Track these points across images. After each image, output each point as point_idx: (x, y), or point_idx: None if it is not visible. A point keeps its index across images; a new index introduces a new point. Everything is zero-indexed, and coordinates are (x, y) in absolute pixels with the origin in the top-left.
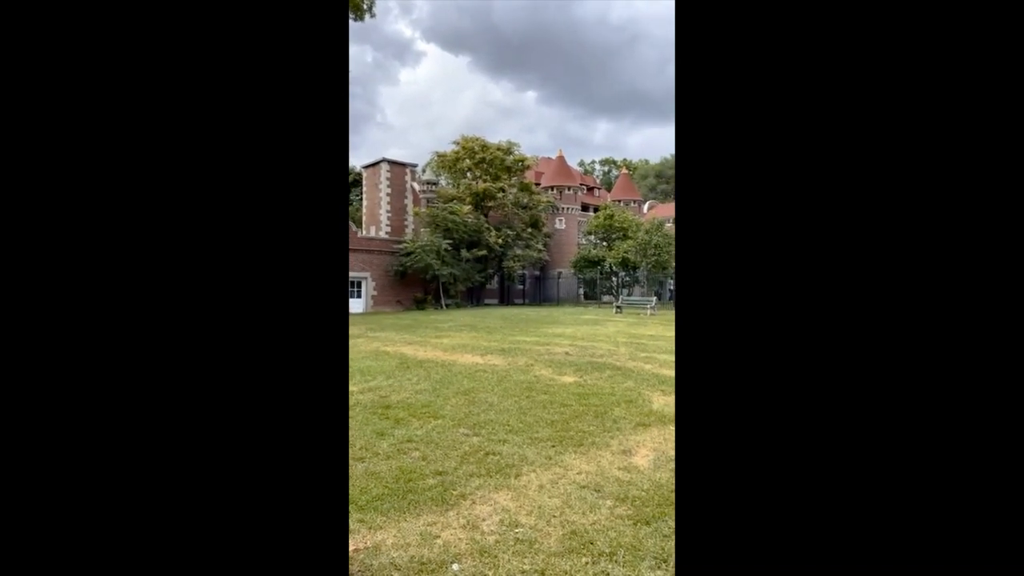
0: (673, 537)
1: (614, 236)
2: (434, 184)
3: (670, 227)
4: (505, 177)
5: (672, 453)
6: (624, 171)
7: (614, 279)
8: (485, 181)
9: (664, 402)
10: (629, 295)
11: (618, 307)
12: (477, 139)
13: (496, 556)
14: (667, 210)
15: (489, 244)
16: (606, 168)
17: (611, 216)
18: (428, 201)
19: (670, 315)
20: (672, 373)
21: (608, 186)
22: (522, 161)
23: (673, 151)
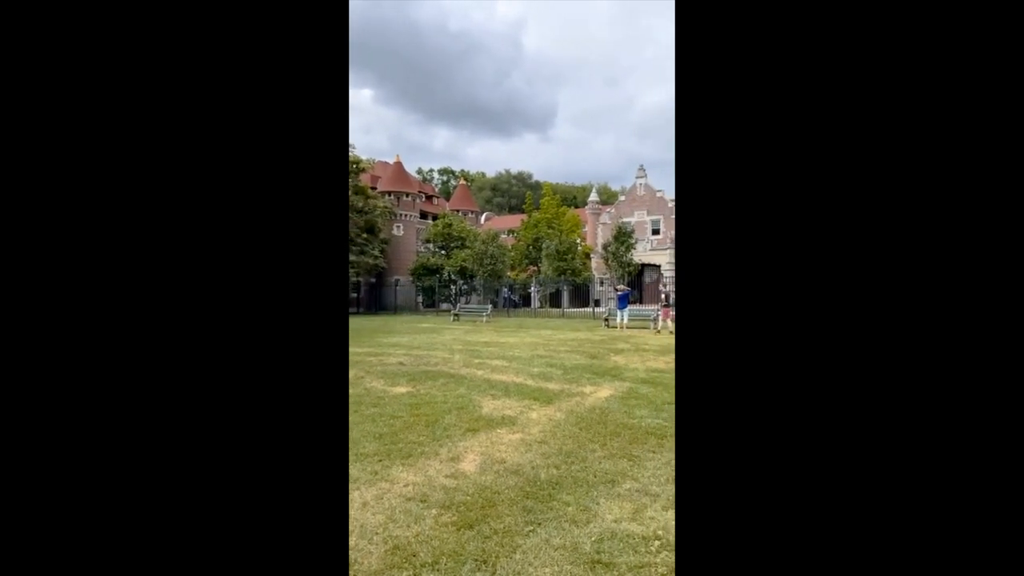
0: (494, 538)
1: (453, 245)
2: None
3: (505, 239)
4: None
5: (498, 456)
6: (463, 182)
7: (452, 287)
8: None
9: (493, 406)
10: (467, 303)
11: (455, 315)
12: None
13: None
14: (502, 222)
15: None
16: (445, 177)
17: (450, 225)
18: None
19: (504, 322)
20: (503, 378)
21: (447, 195)
22: (357, 163)
23: (509, 166)
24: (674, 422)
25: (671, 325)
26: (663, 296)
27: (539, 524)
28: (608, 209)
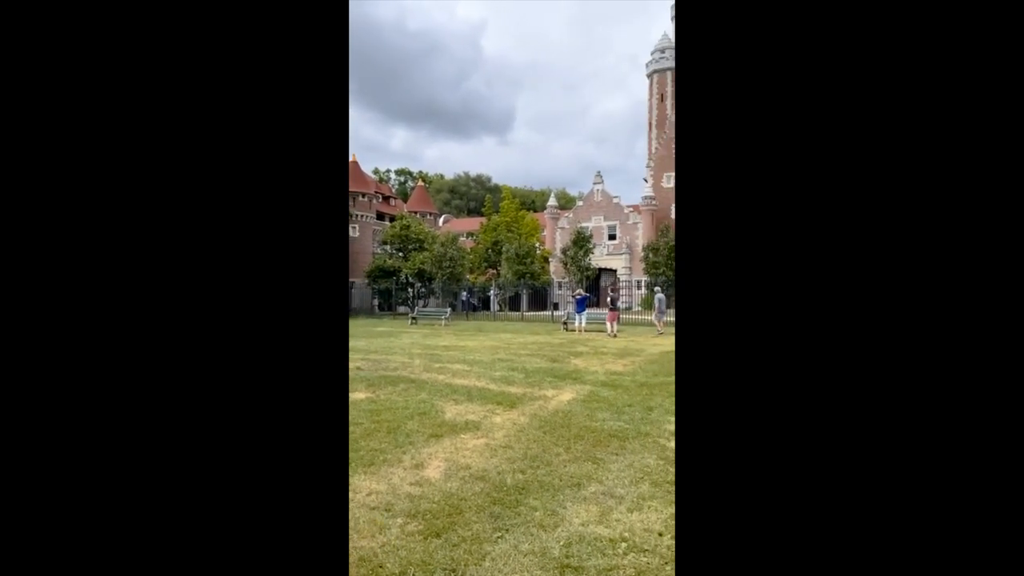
0: (463, 545)
1: (411, 247)
2: None
3: (464, 241)
4: None
5: (462, 462)
6: (421, 183)
7: (410, 290)
8: None
9: (456, 411)
10: (425, 306)
11: (413, 318)
12: None
13: None
14: (461, 225)
15: None
16: (402, 179)
17: (408, 226)
18: None
19: (463, 325)
20: (464, 382)
21: (404, 197)
22: None
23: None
24: (635, 424)
25: (615, 328)
26: (609, 300)
27: (507, 530)
28: (566, 214)
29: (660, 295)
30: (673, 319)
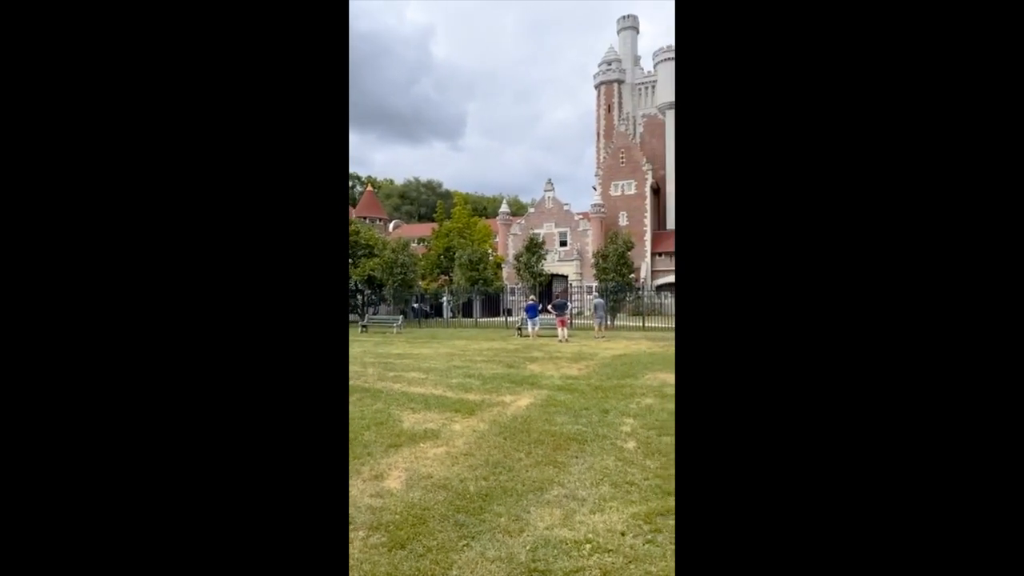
0: (428, 556)
1: (360, 253)
2: None
3: (415, 247)
4: None
5: (424, 471)
6: (370, 188)
7: (360, 297)
8: None
9: (414, 420)
10: (375, 314)
11: (363, 326)
12: None
13: None
14: (412, 230)
15: None
16: (351, 183)
17: (357, 232)
18: None
19: (416, 332)
20: (421, 390)
21: (353, 202)
22: None
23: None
24: (593, 427)
25: (565, 333)
26: (551, 306)
27: (473, 538)
28: (519, 220)
29: (598, 300)
30: (610, 322)
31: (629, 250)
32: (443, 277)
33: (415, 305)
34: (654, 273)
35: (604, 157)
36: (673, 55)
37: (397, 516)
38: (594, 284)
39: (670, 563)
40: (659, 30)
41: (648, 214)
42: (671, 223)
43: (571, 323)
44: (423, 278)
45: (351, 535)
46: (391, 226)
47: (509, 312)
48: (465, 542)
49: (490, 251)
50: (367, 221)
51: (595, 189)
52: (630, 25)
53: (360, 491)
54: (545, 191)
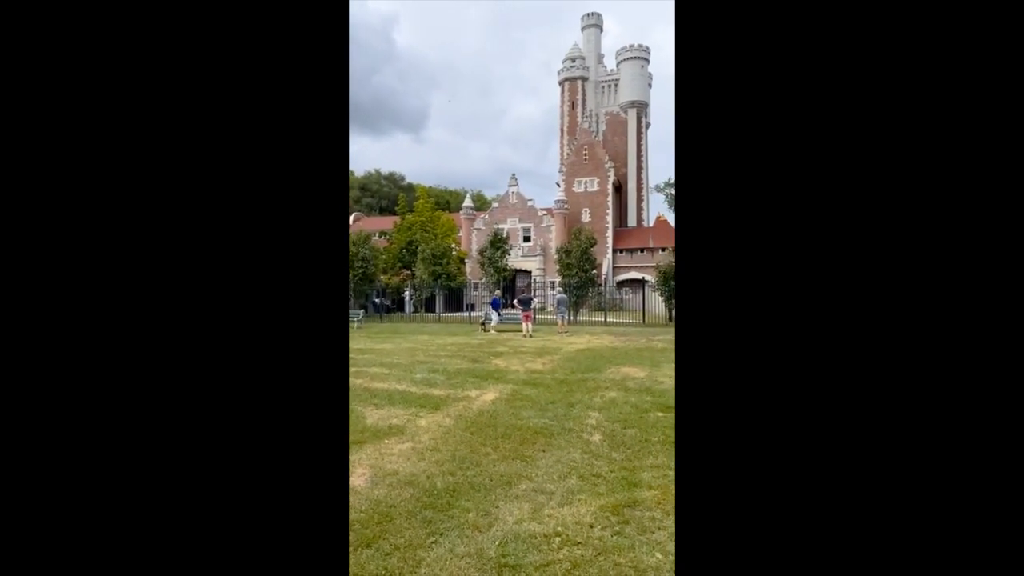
0: (396, 554)
1: None
2: None
3: (377, 241)
4: None
5: (389, 468)
6: None
7: None
8: None
9: (378, 416)
10: None
11: None
12: None
13: None
14: (373, 223)
15: None
16: None
17: None
18: None
19: (377, 327)
20: (384, 386)
21: None
22: None
23: (379, 166)
24: (559, 421)
25: (530, 328)
26: (515, 302)
27: (441, 534)
28: (482, 215)
29: (560, 296)
30: (572, 317)
31: (592, 247)
32: (405, 271)
33: (376, 300)
34: (615, 269)
35: (568, 154)
36: (634, 54)
37: (362, 514)
38: (557, 280)
39: (638, 554)
40: (623, 29)
41: (610, 211)
42: (632, 220)
43: (535, 318)
44: (384, 272)
45: None
46: (351, 219)
47: (472, 307)
48: (433, 539)
49: (453, 246)
50: None
51: (559, 185)
52: (594, 23)
53: None
54: (509, 186)
